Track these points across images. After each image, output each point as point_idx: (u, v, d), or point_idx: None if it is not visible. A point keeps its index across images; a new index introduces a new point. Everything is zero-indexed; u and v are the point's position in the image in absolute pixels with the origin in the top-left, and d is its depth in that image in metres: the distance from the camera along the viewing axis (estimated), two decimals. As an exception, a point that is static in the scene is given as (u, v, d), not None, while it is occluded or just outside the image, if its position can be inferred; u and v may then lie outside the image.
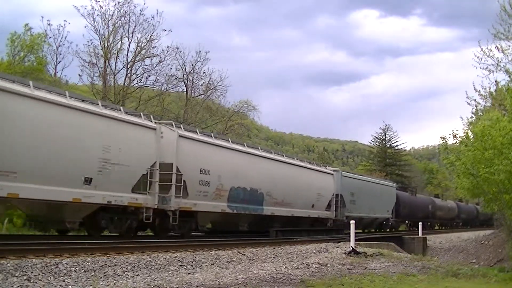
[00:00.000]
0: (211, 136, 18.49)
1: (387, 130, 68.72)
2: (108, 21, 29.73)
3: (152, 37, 30.74)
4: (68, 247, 10.88)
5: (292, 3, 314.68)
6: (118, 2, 29.64)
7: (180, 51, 32.83)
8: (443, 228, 51.71)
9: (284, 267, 12.52)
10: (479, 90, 23.94)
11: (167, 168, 15.53)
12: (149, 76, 31.38)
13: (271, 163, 21.59)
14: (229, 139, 20.01)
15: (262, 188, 20.29)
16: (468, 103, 24.01)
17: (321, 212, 25.40)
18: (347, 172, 31.28)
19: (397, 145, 69.22)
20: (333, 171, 27.82)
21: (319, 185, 25.16)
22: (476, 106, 24.32)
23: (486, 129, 16.17)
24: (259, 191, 20.09)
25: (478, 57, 22.55)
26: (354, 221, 18.62)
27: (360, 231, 30.87)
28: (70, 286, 7.94)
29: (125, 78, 30.74)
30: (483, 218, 59.00)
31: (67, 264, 9.07)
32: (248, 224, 20.76)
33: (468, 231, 43.82)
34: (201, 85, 35.22)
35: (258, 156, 20.76)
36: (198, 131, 17.95)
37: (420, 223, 29.39)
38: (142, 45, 30.71)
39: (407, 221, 42.68)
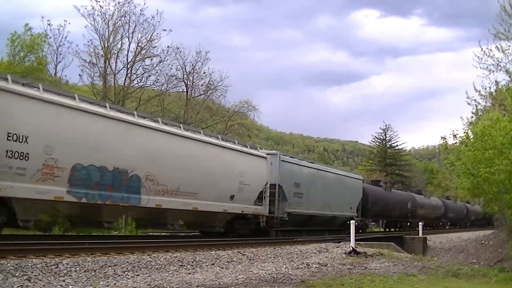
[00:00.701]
0: (38, 89, 12.18)
1: (387, 130, 68.98)
2: (108, 21, 29.79)
3: (152, 37, 30.81)
4: (68, 247, 10.89)
5: (292, 3, 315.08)
6: (118, 2, 29.72)
7: (180, 51, 32.92)
8: (427, 228, 43.68)
9: (284, 267, 12.52)
10: (479, 90, 23.87)
11: None
12: (149, 76, 31.44)
13: (157, 135, 15.29)
14: (76, 95, 13.58)
15: (138, 169, 14.36)
16: (468, 103, 23.94)
17: (247, 207, 19.28)
18: (291, 157, 24.51)
19: (397, 145, 69.47)
20: (268, 154, 21.45)
21: (243, 170, 18.99)
22: (476, 106, 24.25)
23: (486, 129, 16.15)
24: (131, 173, 14.15)
25: (478, 57, 22.47)
26: (354, 221, 18.60)
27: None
28: (70, 286, 7.94)
29: (125, 78, 30.80)
30: (474, 217, 55.07)
31: (67, 264, 9.07)
32: (135, 220, 15.82)
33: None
34: (201, 85, 35.31)
35: (132, 124, 14.54)
36: (9, 78, 11.65)
37: (420, 223, 29.22)
38: (142, 45, 30.78)
39: (380, 221, 38.15)
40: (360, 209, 29.59)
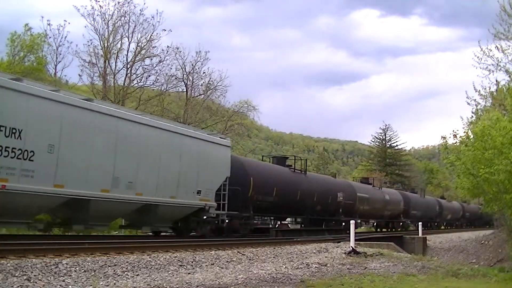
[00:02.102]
0: None
1: (387, 130, 69.13)
2: (108, 21, 29.79)
3: (152, 37, 30.80)
4: (68, 247, 10.89)
5: (292, 3, 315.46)
6: (118, 2, 29.70)
7: (180, 51, 32.90)
8: (388, 230, 33.54)
9: (284, 267, 12.52)
10: (479, 90, 23.97)
11: None
12: (149, 76, 31.45)
13: None
14: None
15: None
16: (468, 103, 24.03)
17: None
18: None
19: (397, 145, 69.63)
20: None
21: None
22: (476, 106, 24.35)
23: (486, 129, 16.18)
24: None
25: (478, 57, 22.55)
26: (354, 220, 18.57)
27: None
28: (70, 286, 7.94)
29: (125, 78, 30.80)
30: (450, 217, 46.03)
31: (67, 264, 9.07)
32: None
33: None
34: (201, 85, 35.27)
35: None
36: None
37: (419, 223, 29.12)
38: (142, 45, 30.78)
39: (281, 219, 24.19)
40: (226, 196, 17.91)
